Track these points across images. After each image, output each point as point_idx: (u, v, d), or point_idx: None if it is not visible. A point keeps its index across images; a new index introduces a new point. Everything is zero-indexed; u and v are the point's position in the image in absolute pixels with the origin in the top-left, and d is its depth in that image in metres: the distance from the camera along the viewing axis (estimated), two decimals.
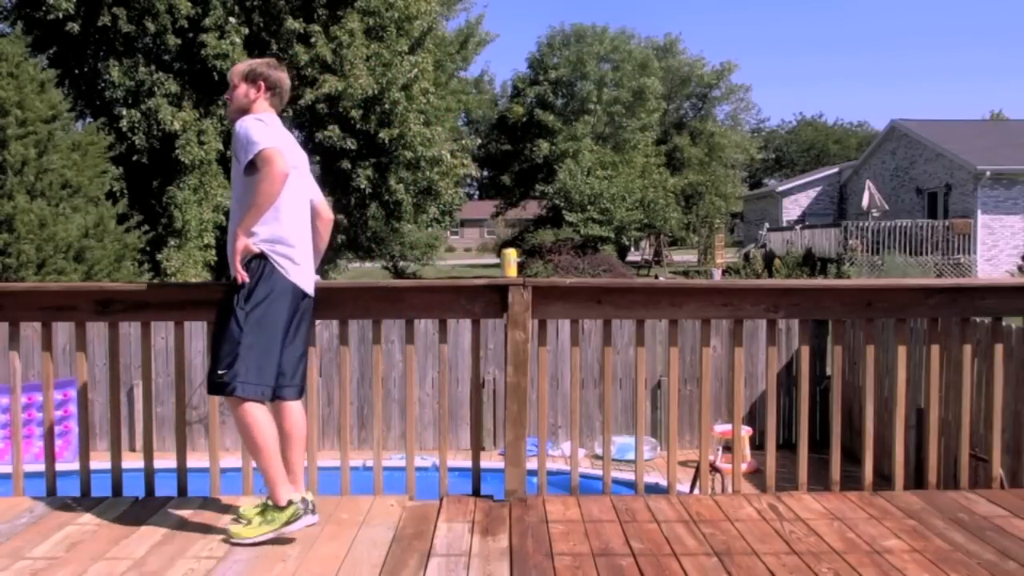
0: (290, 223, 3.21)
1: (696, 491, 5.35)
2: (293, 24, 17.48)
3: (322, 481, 3.68)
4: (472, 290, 3.73)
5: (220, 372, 3.11)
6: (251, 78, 3.32)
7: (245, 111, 3.28)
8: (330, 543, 3.15)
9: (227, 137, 16.69)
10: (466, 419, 8.01)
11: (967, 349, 3.83)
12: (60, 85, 14.76)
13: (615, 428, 8.29)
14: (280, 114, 3.41)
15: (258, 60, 3.44)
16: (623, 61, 40.66)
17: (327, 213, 3.53)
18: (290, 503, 3.13)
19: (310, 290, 3.33)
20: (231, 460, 4.32)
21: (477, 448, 3.80)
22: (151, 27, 16.77)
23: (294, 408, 3.33)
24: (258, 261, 3.15)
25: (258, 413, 3.14)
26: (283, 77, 3.39)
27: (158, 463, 3.72)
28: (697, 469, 5.56)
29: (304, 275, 3.26)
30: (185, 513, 3.44)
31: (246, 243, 3.11)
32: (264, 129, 3.13)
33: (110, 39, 17.25)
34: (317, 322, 3.70)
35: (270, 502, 3.16)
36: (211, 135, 17.10)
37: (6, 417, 7.54)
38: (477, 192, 57.11)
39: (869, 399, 3.80)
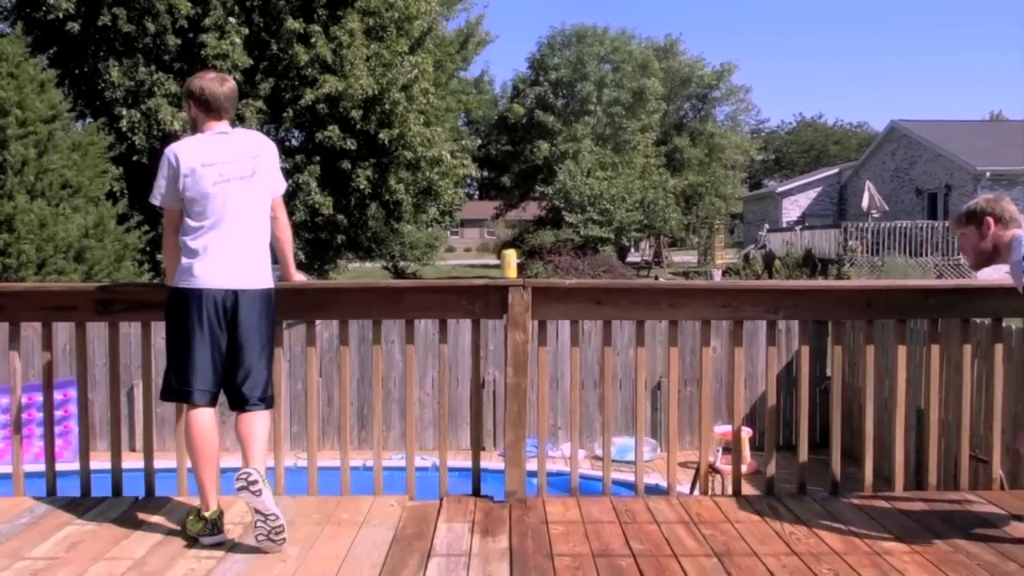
0: (197, 231, 3.17)
1: (696, 492, 5.35)
2: (293, 24, 17.46)
3: (322, 481, 3.68)
4: (472, 290, 3.74)
5: None
6: (185, 98, 3.35)
7: (196, 128, 3.30)
8: (330, 543, 3.15)
9: None
10: (466, 419, 8.00)
11: (967, 350, 3.84)
12: (60, 85, 14.72)
13: (615, 429, 8.28)
14: (235, 114, 3.34)
15: (192, 77, 3.35)
16: (623, 62, 40.68)
17: (279, 213, 3.44)
18: (205, 518, 3.14)
19: (231, 284, 3.18)
20: (231, 460, 4.29)
21: (477, 448, 3.80)
22: (151, 27, 16.75)
23: (242, 418, 3.23)
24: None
25: (196, 419, 3.17)
26: (205, 83, 3.25)
27: (158, 463, 3.73)
28: (697, 470, 5.55)
29: (215, 275, 3.16)
30: None
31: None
32: (163, 173, 3.19)
33: (110, 39, 17.23)
34: (317, 322, 3.70)
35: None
36: None
37: (6, 417, 7.54)
38: (477, 192, 57.03)
39: (869, 400, 3.80)
